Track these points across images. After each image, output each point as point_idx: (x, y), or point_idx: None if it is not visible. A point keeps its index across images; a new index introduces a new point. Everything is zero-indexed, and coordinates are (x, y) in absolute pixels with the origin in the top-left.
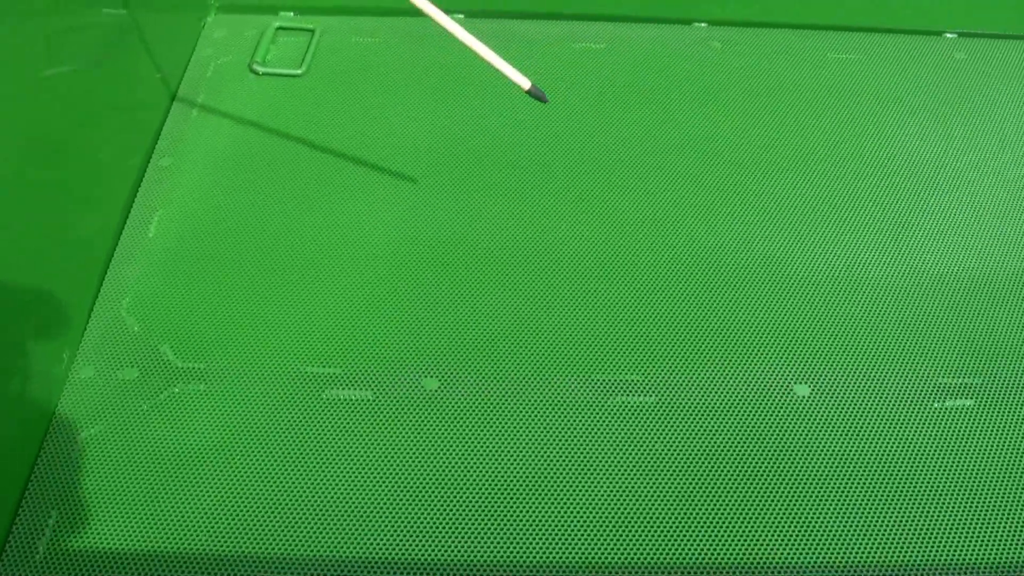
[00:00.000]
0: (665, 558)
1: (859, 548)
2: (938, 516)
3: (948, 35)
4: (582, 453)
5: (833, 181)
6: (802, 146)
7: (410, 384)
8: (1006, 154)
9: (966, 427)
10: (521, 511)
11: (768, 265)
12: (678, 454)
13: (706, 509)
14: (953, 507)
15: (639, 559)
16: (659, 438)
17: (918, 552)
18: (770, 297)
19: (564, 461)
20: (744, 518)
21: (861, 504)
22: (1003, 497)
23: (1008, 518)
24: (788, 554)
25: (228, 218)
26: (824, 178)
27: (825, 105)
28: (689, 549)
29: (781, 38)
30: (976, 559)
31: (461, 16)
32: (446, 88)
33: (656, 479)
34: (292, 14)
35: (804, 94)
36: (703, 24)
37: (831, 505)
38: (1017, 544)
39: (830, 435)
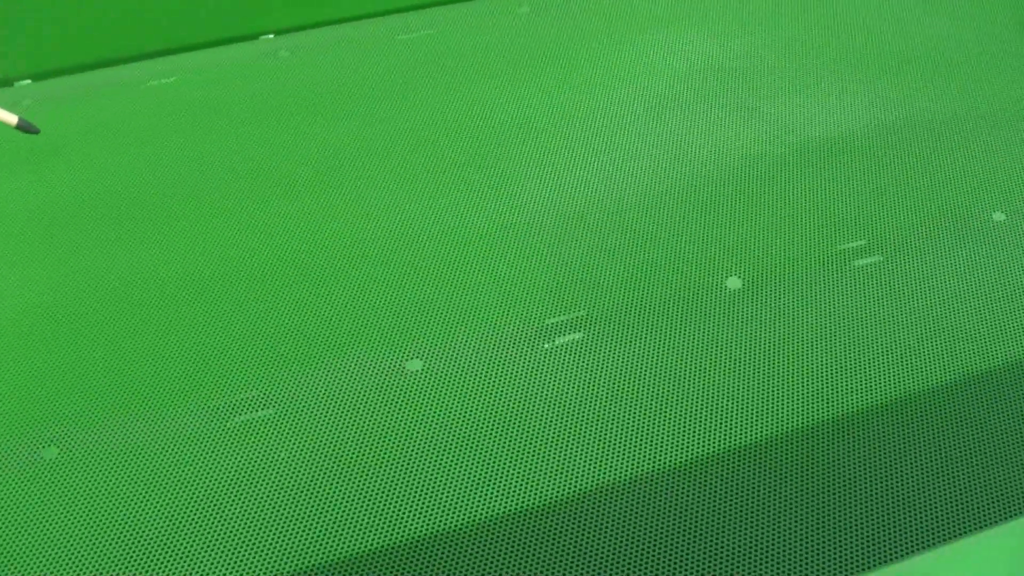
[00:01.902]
0: (308, 560)
1: (494, 500)
2: (568, 448)
3: None
4: (212, 482)
5: (421, 154)
6: (389, 129)
7: (28, 455)
8: (584, 98)
9: (579, 359)
10: (157, 559)
11: (353, 252)
12: (304, 458)
13: (339, 506)
14: (586, 436)
15: (280, 567)
16: (283, 447)
17: (555, 487)
18: (354, 284)
19: (198, 496)
20: (379, 503)
21: (487, 460)
22: (623, 416)
23: (629, 434)
24: (423, 525)
25: None
26: (411, 154)
27: (400, 85)
28: (335, 547)
29: (347, 33)
30: (607, 480)
31: (28, 81)
32: (34, 152)
33: (286, 490)
34: None
35: (380, 80)
36: (270, 36)
37: (457, 467)
38: (640, 460)
39: (449, 401)
